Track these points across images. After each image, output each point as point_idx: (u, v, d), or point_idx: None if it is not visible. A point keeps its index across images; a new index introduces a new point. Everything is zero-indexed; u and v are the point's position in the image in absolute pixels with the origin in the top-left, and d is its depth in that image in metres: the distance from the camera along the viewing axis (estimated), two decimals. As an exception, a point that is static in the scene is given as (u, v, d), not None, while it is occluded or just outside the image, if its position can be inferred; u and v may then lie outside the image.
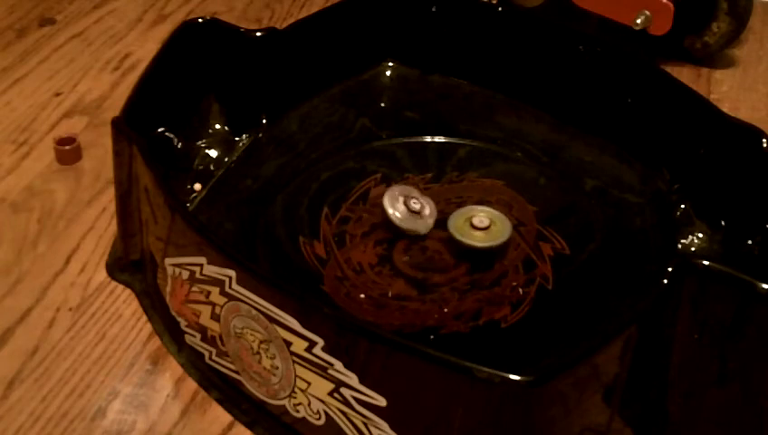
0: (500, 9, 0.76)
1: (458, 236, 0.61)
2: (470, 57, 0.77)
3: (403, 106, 0.76)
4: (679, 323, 0.49)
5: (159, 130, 0.66)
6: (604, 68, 0.71)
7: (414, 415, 0.47)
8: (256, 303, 0.49)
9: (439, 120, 0.74)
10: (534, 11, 0.88)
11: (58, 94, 0.82)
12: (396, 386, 0.47)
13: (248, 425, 0.54)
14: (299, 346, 0.48)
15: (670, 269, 0.49)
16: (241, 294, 0.50)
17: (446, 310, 0.58)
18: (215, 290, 0.52)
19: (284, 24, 0.77)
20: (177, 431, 0.54)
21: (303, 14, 0.95)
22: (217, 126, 0.70)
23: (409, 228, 0.62)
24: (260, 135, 0.71)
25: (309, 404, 0.50)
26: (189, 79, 0.67)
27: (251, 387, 0.54)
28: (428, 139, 0.72)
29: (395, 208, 0.62)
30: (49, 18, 0.93)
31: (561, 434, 0.47)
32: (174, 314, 0.57)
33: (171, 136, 0.67)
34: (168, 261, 0.56)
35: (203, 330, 0.55)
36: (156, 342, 0.59)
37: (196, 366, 0.57)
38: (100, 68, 0.86)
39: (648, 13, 0.82)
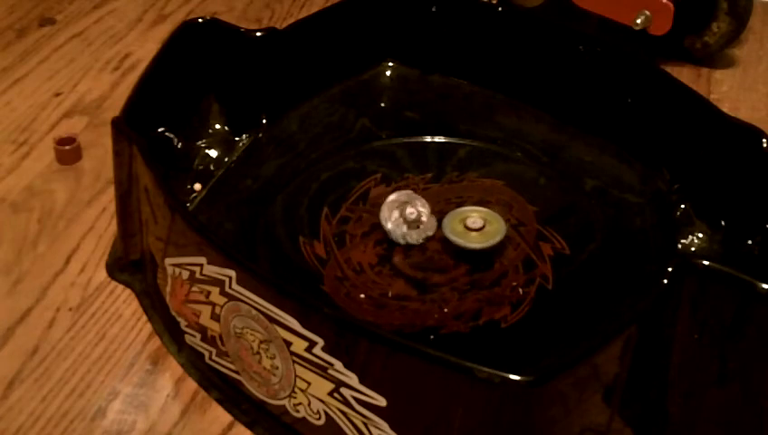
0: (500, 9, 0.76)
1: (453, 238, 0.61)
2: (470, 57, 0.77)
3: (403, 106, 0.76)
4: (679, 323, 0.49)
5: (159, 130, 0.66)
6: (604, 68, 0.71)
7: (414, 415, 0.47)
8: (256, 303, 0.49)
9: (439, 120, 0.74)
10: (534, 11, 0.88)
11: (58, 94, 0.82)
12: (396, 386, 0.47)
13: (248, 425, 0.54)
14: (299, 346, 0.48)
15: (670, 269, 0.49)
16: (241, 294, 0.50)
17: (446, 310, 0.58)
18: (215, 290, 0.52)
19: (284, 24, 0.77)
20: (177, 431, 0.54)
21: (303, 14, 0.95)
22: (217, 126, 0.70)
23: (402, 241, 0.62)
24: (260, 135, 0.71)
25: (309, 404, 0.50)
26: (189, 79, 0.67)
27: (251, 387, 0.54)
28: (428, 139, 0.72)
29: (390, 220, 0.62)
30: (49, 18, 0.94)
31: (561, 434, 0.47)
32: (174, 314, 0.57)
33: (171, 136, 0.67)
34: (168, 261, 0.56)
35: (203, 330, 0.55)
36: (156, 342, 0.59)
37: (196, 366, 0.57)
38: (100, 68, 0.86)
39: (647, 13, 0.82)
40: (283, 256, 0.62)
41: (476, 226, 0.62)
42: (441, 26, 0.77)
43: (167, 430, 0.54)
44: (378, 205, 0.64)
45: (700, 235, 0.63)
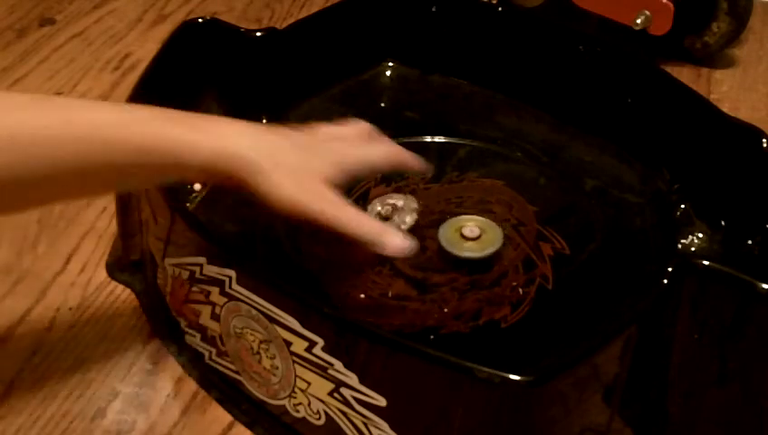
0: (500, 9, 0.76)
1: (449, 248, 0.61)
2: (470, 57, 0.77)
3: (403, 106, 0.76)
4: (679, 323, 0.49)
5: (159, 130, 0.66)
6: (604, 68, 0.71)
7: (414, 415, 0.47)
8: (256, 303, 0.49)
9: (439, 120, 0.74)
10: (534, 11, 0.88)
11: (58, 94, 0.82)
12: (396, 386, 0.47)
13: (248, 425, 0.54)
14: (299, 346, 0.48)
15: (670, 269, 0.49)
16: (241, 294, 0.50)
17: (446, 310, 0.58)
18: (215, 290, 0.52)
19: (284, 24, 0.77)
20: (177, 431, 0.54)
21: (303, 14, 0.95)
22: (217, 126, 0.70)
23: None
24: (260, 135, 0.71)
25: (309, 404, 0.50)
26: (189, 79, 0.67)
27: (251, 387, 0.54)
28: (428, 139, 0.72)
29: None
30: (49, 18, 0.93)
31: (561, 434, 0.47)
32: (174, 314, 0.57)
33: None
34: (168, 261, 0.56)
35: (203, 330, 0.55)
36: (156, 342, 0.59)
37: (196, 366, 0.57)
38: (100, 68, 0.86)
39: (648, 13, 0.82)
40: (282, 255, 0.62)
41: (473, 235, 0.62)
42: (441, 26, 0.77)
43: (167, 430, 0.54)
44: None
45: (700, 235, 0.63)
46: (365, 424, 0.48)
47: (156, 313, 0.60)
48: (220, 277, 0.51)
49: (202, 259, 0.52)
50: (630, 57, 0.70)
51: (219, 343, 0.54)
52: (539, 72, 0.74)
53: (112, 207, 0.65)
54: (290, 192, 0.49)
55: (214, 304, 0.53)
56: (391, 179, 0.68)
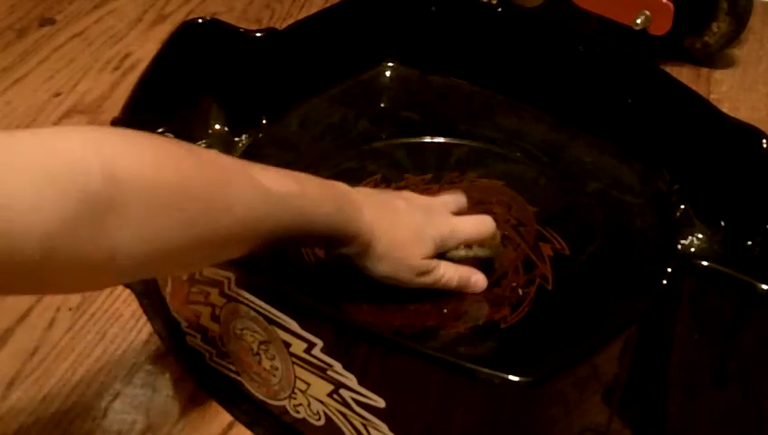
0: (500, 9, 0.76)
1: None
2: (470, 57, 0.77)
3: (403, 106, 0.76)
4: (679, 323, 0.49)
5: (159, 130, 0.66)
6: (604, 68, 0.70)
7: (413, 416, 0.47)
8: (255, 304, 0.49)
9: (439, 121, 0.74)
10: (534, 11, 0.88)
11: (58, 94, 0.82)
12: (395, 387, 0.47)
13: (248, 425, 0.54)
14: (298, 347, 0.48)
15: (670, 269, 0.49)
16: (240, 295, 0.50)
17: (445, 310, 0.58)
18: (214, 291, 0.52)
19: (284, 24, 0.77)
20: (177, 431, 0.54)
21: (303, 14, 0.95)
22: (217, 126, 0.70)
23: None
24: (260, 135, 0.71)
25: (309, 405, 0.50)
26: (189, 79, 0.67)
27: (251, 387, 0.54)
28: (428, 139, 0.72)
29: None
30: (49, 18, 0.94)
31: (560, 434, 0.47)
32: (174, 314, 0.57)
33: (171, 136, 0.67)
34: (167, 261, 0.56)
35: (203, 331, 0.55)
36: (156, 342, 0.59)
37: (196, 367, 0.57)
38: (100, 68, 0.86)
39: (648, 13, 0.82)
40: (282, 256, 0.62)
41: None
42: (441, 26, 0.77)
43: (167, 430, 0.54)
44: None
45: (700, 235, 0.63)
46: (364, 426, 0.48)
47: (155, 313, 0.60)
48: (219, 278, 0.51)
49: (202, 260, 0.52)
50: (630, 57, 0.70)
51: (220, 343, 0.54)
52: (539, 73, 0.74)
53: (112, 208, 0.65)
54: (386, 270, 0.55)
55: (213, 306, 0.53)
56: (391, 180, 0.68)
